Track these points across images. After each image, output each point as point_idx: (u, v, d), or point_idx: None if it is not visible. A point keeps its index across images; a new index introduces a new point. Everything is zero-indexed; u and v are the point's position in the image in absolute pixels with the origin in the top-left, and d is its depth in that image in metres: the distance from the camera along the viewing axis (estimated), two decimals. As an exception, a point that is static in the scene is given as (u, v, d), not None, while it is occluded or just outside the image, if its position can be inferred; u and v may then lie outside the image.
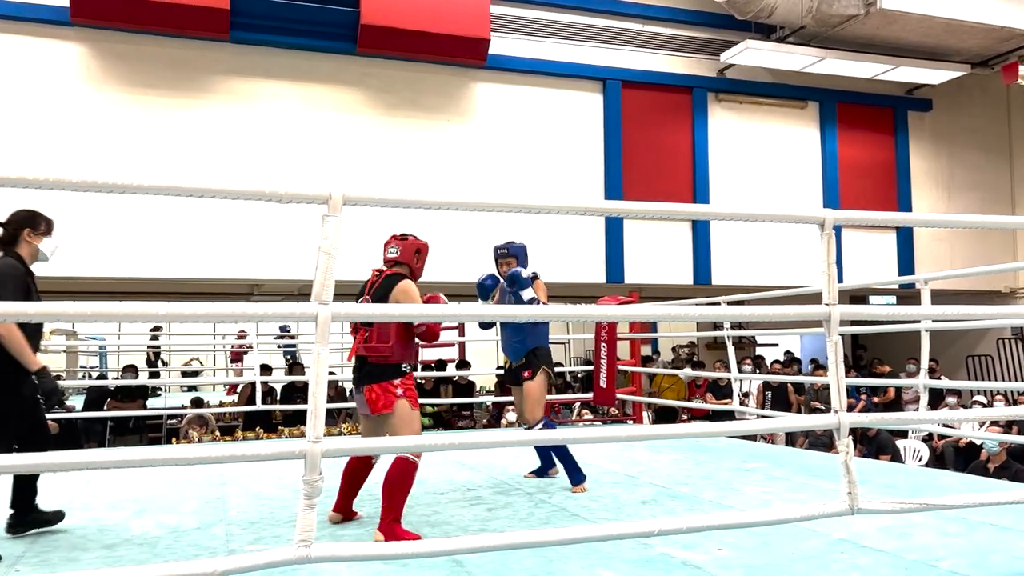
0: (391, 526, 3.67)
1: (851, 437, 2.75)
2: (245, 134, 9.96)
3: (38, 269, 3.91)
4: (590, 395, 8.77)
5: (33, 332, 3.76)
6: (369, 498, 4.29)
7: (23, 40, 9.26)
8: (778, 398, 9.89)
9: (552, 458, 5.21)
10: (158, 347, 12.88)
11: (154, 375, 12.62)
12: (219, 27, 9.51)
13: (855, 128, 12.88)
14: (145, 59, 9.67)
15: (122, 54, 9.59)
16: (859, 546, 3.44)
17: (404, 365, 3.87)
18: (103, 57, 9.54)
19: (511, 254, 5.06)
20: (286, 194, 2.17)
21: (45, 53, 9.34)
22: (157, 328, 12.33)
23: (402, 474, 3.67)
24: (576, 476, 4.84)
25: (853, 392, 9.45)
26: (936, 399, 9.54)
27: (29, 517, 3.89)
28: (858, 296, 14.78)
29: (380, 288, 3.88)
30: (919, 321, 5.54)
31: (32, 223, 3.86)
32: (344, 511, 4.14)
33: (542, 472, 5.28)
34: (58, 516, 3.98)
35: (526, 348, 4.98)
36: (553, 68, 11.32)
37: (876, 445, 8.28)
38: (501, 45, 10.92)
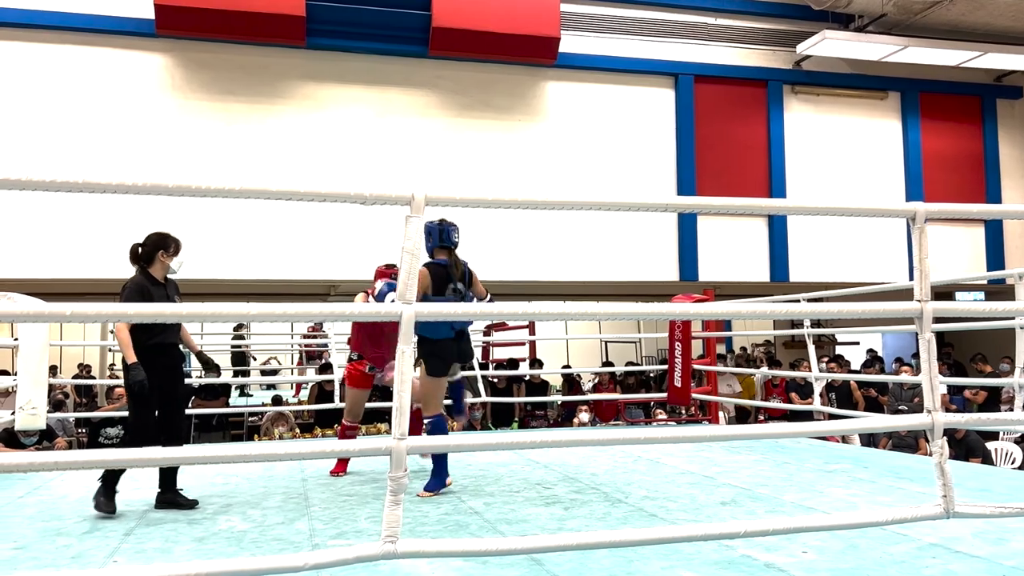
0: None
1: (944, 439, 2.65)
2: (321, 137, 10.19)
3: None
4: (665, 395, 8.68)
5: (150, 330, 4.49)
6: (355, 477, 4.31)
7: (112, 52, 9.68)
8: (842, 397, 9.58)
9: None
10: (242, 346, 13.21)
11: (239, 374, 12.93)
12: (295, 34, 9.74)
13: (939, 118, 12.42)
14: (225, 67, 9.98)
15: (203, 63, 9.92)
16: (952, 551, 3.31)
17: (352, 353, 5.40)
18: (186, 66, 9.88)
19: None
20: (370, 196, 2.20)
21: (132, 64, 9.74)
22: (240, 327, 12.66)
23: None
24: (437, 480, 4.62)
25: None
26: (1030, 399, 9.09)
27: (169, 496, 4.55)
28: (942, 292, 14.25)
29: None
30: (1013, 318, 5.31)
31: (164, 245, 4.59)
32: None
33: None
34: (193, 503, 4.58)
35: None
36: (624, 64, 11.24)
37: (965, 447, 7.95)
38: (571, 43, 10.90)
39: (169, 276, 4.66)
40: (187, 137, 9.81)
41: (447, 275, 4.58)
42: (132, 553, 3.53)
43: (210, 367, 5.12)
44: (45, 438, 7.06)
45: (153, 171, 9.53)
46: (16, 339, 6.44)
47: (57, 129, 9.46)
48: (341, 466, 5.29)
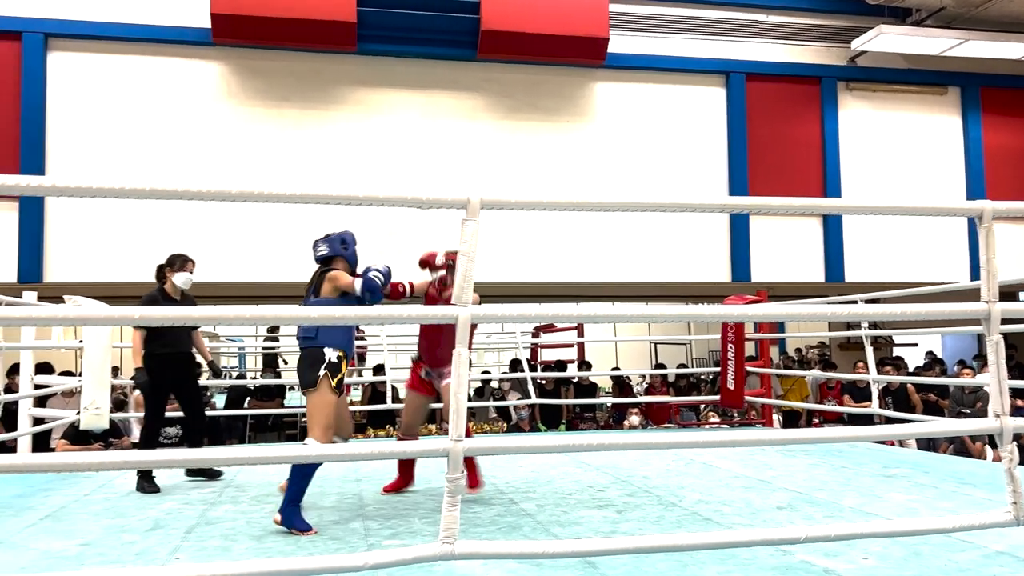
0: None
1: (1014, 443, 2.57)
2: (372, 141, 10.30)
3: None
4: (717, 397, 8.59)
5: (164, 335, 5.20)
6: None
7: (170, 61, 9.92)
8: (899, 400, 9.35)
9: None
10: (275, 348, 13.32)
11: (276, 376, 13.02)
12: (347, 40, 9.87)
13: (1001, 113, 12.06)
14: (279, 73, 10.16)
15: (258, 70, 10.11)
16: (1021, 560, 3.21)
17: (415, 353, 4.98)
18: (241, 73, 10.08)
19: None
20: (427, 200, 2.22)
21: (190, 72, 9.97)
22: (275, 329, 12.77)
23: None
24: (293, 513, 3.94)
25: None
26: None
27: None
28: (1007, 292, 13.84)
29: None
30: (1083, 319, 5.13)
31: (170, 264, 5.35)
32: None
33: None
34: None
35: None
36: (673, 64, 11.14)
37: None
38: (620, 43, 10.84)
39: (184, 291, 5.40)
40: (243, 143, 10.00)
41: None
42: (193, 551, 3.61)
43: (217, 374, 6.16)
44: (112, 436, 7.27)
45: (211, 177, 9.73)
46: (80, 341, 6.65)
47: (119, 136, 9.72)
48: (400, 481, 4.90)
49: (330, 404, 4.04)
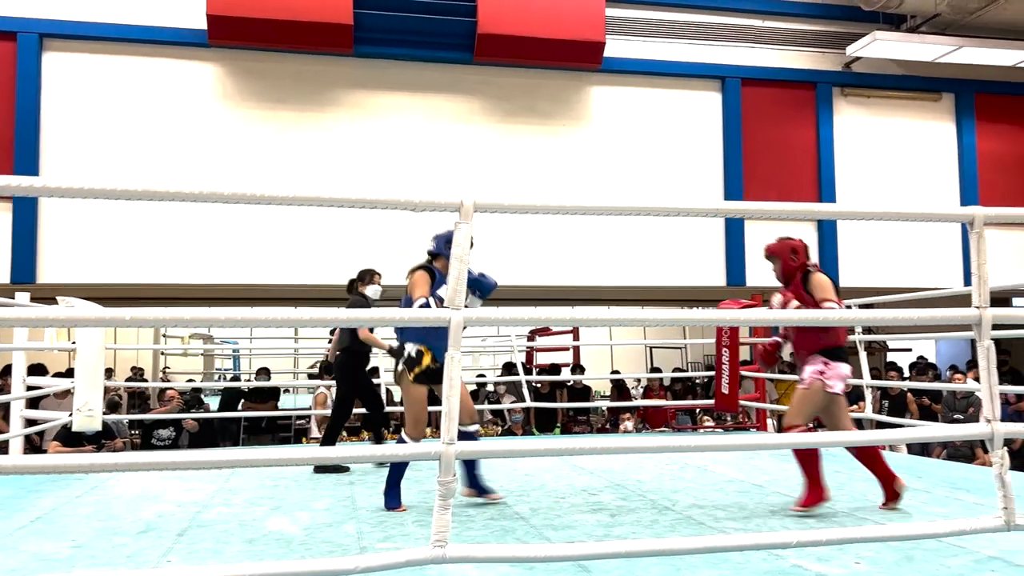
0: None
1: (1005, 449, 2.58)
2: (369, 144, 10.30)
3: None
4: (711, 401, 8.60)
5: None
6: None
7: (166, 62, 9.91)
8: (896, 406, 9.38)
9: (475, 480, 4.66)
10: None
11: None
12: (343, 42, 9.87)
13: (996, 120, 12.10)
14: (275, 75, 10.15)
15: (254, 71, 10.10)
16: (1012, 565, 3.22)
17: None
18: (237, 75, 10.07)
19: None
20: (420, 203, 2.22)
21: (185, 73, 9.96)
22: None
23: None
24: (392, 500, 4.45)
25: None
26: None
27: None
28: (999, 298, 13.87)
29: None
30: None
31: (360, 279, 5.94)
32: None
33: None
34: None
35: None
36: (669, 68, 11.16)
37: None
38: (616, 47, 10.86)
39: (375, 300, 5.91)
40: (238, 145, 9.98)
41: None
42: (185, 553, 3.60)
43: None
44: (105, 437, 7.25)
45: (206, 179, 9.70)
46: (74, 343, 6.64)
47: (114, 137, 9.70)
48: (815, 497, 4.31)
49: (415, 398, 4.34)
